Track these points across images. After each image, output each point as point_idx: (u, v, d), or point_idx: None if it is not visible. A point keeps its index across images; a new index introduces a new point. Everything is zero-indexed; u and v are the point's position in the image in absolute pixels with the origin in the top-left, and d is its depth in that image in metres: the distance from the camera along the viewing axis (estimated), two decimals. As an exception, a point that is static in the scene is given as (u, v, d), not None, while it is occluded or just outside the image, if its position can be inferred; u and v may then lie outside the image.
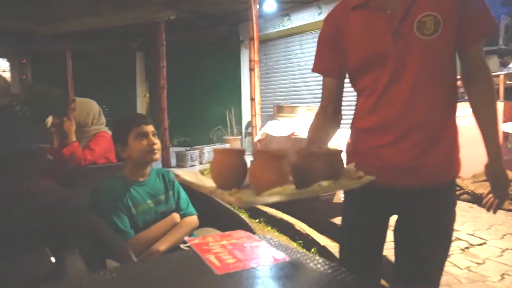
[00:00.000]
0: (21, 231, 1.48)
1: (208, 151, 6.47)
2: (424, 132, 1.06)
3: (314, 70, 1.25)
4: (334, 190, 0.98)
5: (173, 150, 6.41)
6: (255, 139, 4.13)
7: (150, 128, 1.51)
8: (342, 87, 1.24)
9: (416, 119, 1.06)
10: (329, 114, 1.24)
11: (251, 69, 4.32)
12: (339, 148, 1.01)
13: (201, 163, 6.27)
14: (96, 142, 2.90)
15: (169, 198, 1.55)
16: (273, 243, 1.17)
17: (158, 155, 1.52)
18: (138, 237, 1.41)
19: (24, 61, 9.35)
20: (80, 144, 2.89)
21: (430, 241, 1.12)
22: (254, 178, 0.78)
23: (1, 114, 1.97)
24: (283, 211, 3.34)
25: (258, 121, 4.27)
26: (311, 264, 1.00)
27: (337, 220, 3.11)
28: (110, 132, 3.08)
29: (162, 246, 1.39)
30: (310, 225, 3.08)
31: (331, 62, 1.20)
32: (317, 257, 1.04)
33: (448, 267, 2.21)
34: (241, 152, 0.84)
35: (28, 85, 6.46)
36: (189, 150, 6.32)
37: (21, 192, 1.49)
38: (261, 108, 4.54)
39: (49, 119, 3.05)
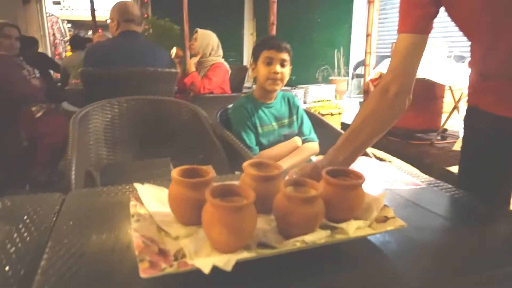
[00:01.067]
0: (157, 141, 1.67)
1: (313, 91, 6.38)
2: None
3: (403, 30, 0.91)
4: (330, 242, 0.62)
5: (278, 88, 6.47)
6: (368, 78, 3.90)
7: (281, 56, 1.44)
8: (424, 48, 0.92)
9: None
10: (390, 95, 0.89)
11: (370, 2, 3.94)
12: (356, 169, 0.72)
13: (305, 102, 6.24)
14: (214, 72, 3.07)
15: (292, 123, 1.57)
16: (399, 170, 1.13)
17: (278, 86, 1.48)
18: (262, 153, 1.47)
19: (146, 0, 10.08)
20: (199, 74, 3.09)
21: None
22: (204, 229, 0.57)
23: (140, 39, 2.17)
24: (393, 154, 3.19)
25: (372, 59, 3.98)
26: (441, 191, 0.95)
27: (454, 169, 2.85)
28: (226, 64, 3.21)
29: (283, 164, 1.44)
30: (423, 171, 2.90)
31: (421, 14, 0.90)
32: (443, 183, 0.99)
33: None
34: (202, 184, 0.61)
35: (152, 21, 6.98)
36: (294, 88, 6.32)
37: (159, 105, 1.66)
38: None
39: (173, 50, 3.29)
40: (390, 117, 0.91)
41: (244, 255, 0.54)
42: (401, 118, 0.94)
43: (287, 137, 1.55)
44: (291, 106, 1.59)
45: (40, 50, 5.38)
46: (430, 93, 3.61)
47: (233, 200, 0.59)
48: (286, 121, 1.56)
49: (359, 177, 0.69)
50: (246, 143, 1.45)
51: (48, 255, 0.60)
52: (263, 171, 0.71)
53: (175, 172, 0.63)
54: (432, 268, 0.62)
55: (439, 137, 3.56)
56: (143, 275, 0.48)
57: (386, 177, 1.06)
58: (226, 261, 0.51)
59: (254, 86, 1.59)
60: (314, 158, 1.53)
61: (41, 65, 3.58)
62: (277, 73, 1.44)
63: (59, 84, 4.29)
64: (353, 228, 0.63)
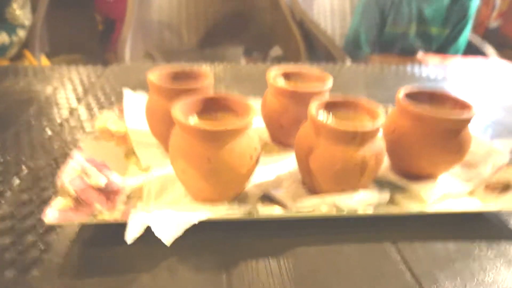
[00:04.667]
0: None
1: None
2: None
3: None
4: (381, 215, 0.34)
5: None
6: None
7: None
8: None
9: None
10: None
11: None
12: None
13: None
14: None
15: (441, 36, 1.10)
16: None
17: None
18: (372, 58, 1.14)
19: None
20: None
21: None
22: (170, 160, 0.37)
23: None
24: None
25: None
26: None
27: None
28: None
29: None
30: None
31: None
32: None
33: None
34: (187, 93, 0.37)
35: None
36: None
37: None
38: None
39: None
40: None
41: (215, 215, 0.32)
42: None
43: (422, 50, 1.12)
44: (460, 8, 1.09)
45: None
46: None
47: (219, 120, 0.35)
48: (434, 29, 1.11)
49: (464, 106, 0.37)
50: (358, 38, 1.11)
51: (80, 106, 0.61)
52: (302, 86, 0.44)
53: (154, 75, 0.41)
54: None
55: None
56: (46, 219, 0.29)
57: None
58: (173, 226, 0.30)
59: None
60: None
61: None
62: None
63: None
64: (435, 195, 0.36)
